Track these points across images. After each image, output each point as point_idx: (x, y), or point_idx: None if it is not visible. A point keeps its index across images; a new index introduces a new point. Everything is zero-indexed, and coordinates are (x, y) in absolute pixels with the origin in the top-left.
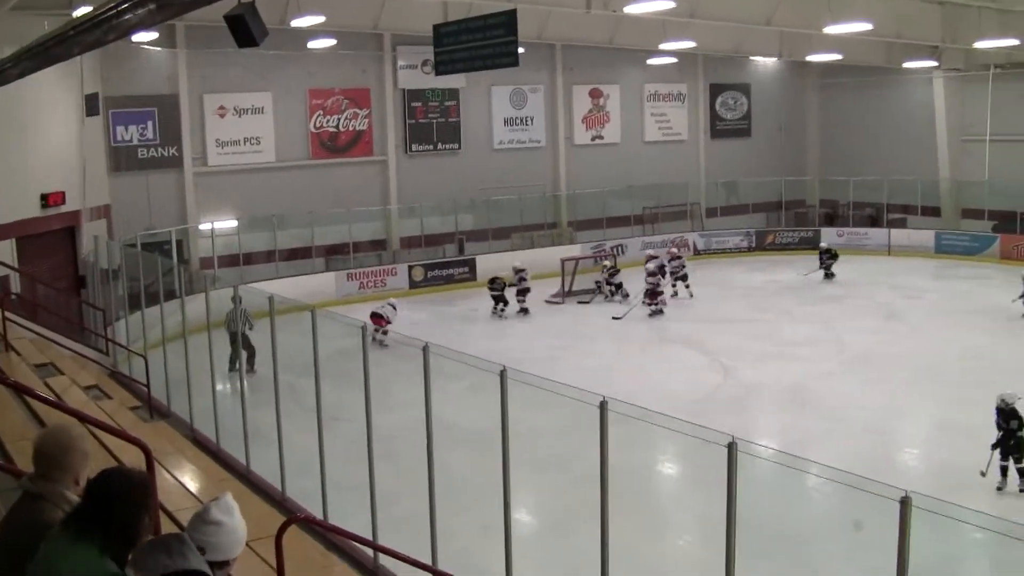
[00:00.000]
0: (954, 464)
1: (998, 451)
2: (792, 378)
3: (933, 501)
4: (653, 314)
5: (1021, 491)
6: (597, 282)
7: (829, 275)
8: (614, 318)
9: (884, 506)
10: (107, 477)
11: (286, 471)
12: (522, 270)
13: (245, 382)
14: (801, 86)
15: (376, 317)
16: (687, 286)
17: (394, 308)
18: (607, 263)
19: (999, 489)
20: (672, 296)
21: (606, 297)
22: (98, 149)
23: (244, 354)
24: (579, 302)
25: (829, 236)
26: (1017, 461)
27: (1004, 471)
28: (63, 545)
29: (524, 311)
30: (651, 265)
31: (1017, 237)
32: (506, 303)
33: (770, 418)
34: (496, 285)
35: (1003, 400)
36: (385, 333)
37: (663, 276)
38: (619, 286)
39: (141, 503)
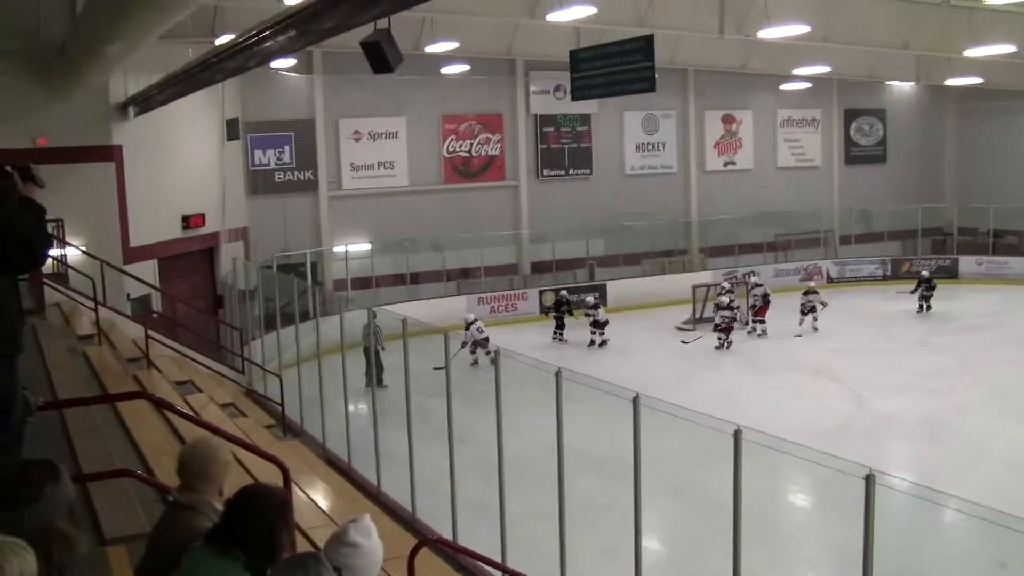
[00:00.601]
0: None
1: None
2: (927, 410)
3: None
4: (719, 347)
5: None
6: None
7: (926, 307)
8: (683, 342)
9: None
10: (249, 493)
11: (416, 492)
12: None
13: (377, 403)
14: (939, 111)
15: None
16: (814, 319)
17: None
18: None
19: None
20: (799, 334)
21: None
22: (237, 172)
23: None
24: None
25: (968, 264)
26: None
27: None
28: (207, 560)
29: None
30: (724, 299)
31: None
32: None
33: (904, 450)
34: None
35: None
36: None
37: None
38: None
39: (282, 520)
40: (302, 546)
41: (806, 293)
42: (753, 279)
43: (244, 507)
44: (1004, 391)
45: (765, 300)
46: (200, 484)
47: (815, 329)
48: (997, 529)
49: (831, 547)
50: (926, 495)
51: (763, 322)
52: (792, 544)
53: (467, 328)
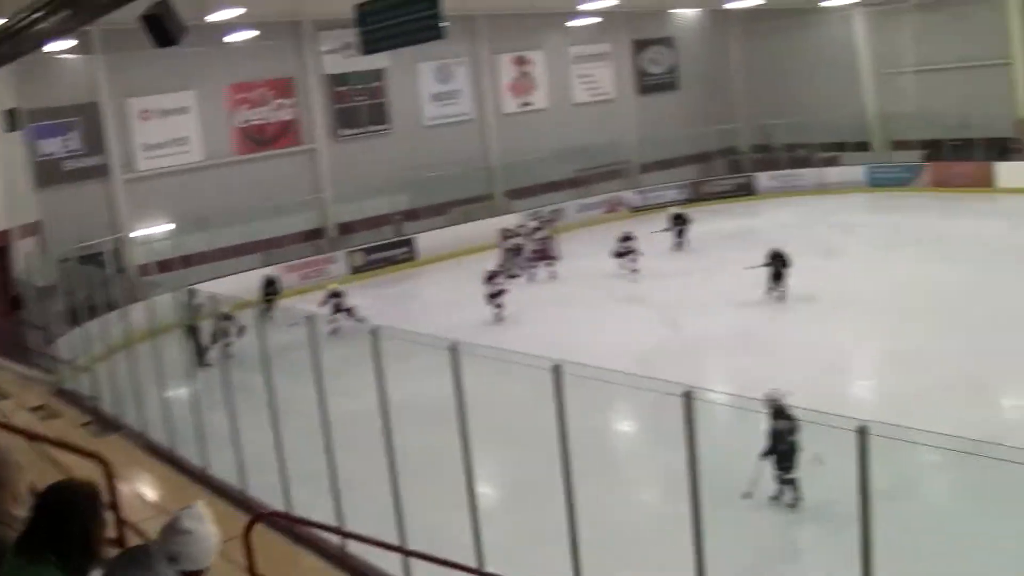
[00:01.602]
0: (903, 391)
1: (769, 460)
2: (738, 323)
3: (889, 427)
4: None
5: (789, 505)
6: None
7: (679, 242)
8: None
9: (842, 438)
10: (55, 492)
11: (246, 469)
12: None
13: (198, 384)
14: (724, 34)
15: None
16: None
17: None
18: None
19: (774, 498)
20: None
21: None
22: (22, 165)
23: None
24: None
25: (762, 180)
26: (786, 471)
27: (785, 483)
28: (18, 571)
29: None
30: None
31: (947, 164)
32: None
33: (721, 365)
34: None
35: (770, 398)
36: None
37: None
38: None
39: (94, 514)
40: (134, 540)
41: (624, 239)
42: (532, 223)
43: (51, 507)
44: (809, 298)
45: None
46: None
47: (634, 271)
48: (812, 427)
49: (662, 468)
50: (743, 404)
51: (550, 263)
52: (624, 470)
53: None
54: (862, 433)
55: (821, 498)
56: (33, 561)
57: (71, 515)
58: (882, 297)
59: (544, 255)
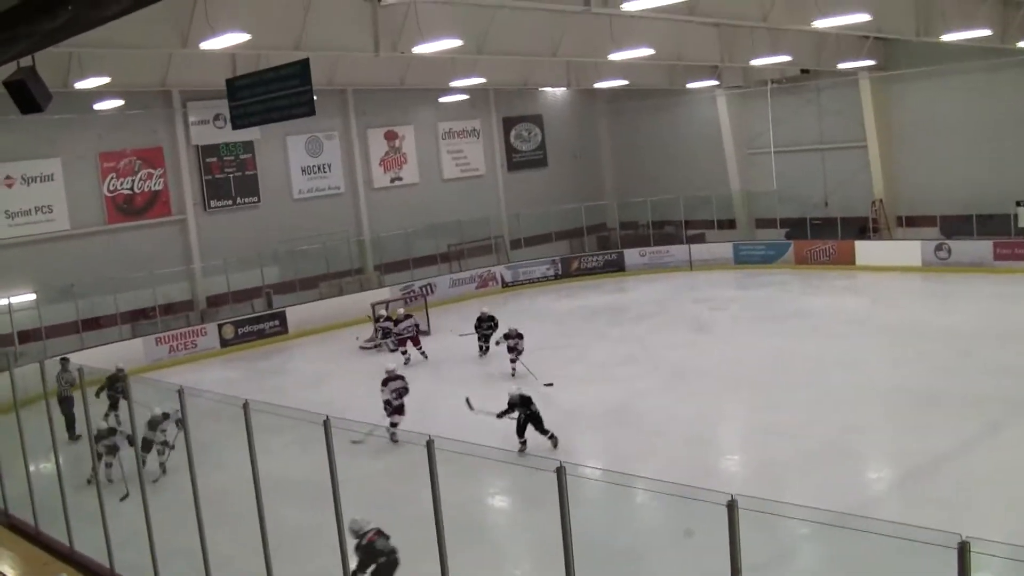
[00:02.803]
0: (772, 462)
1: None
2: (611, 398)
3: (758, 501)
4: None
5: None
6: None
7: (484, 348)
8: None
9: (713, 511)
10: None
11: (113, 546)
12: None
13: (62, 458)
14: (592, 112)
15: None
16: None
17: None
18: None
19: None
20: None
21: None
22: None
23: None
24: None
25: (632, 256)
26: None
27: None
28: None
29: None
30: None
31: (809, 242)
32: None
33: (593, 439)
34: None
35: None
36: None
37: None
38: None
39: None
40: None
41: (507, 336)
42: (400, 311)
43: None
44: (680, 373)
45: (418, 330)
46: None
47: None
48: (685, 502)
49: (534, 541)
50: (615, 479)
51: (419, 348)
52: (498, 543)
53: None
54: (731, 507)
55: (692, 572)
56: None
57: None
58: (750, 371)
59: (415, 340)
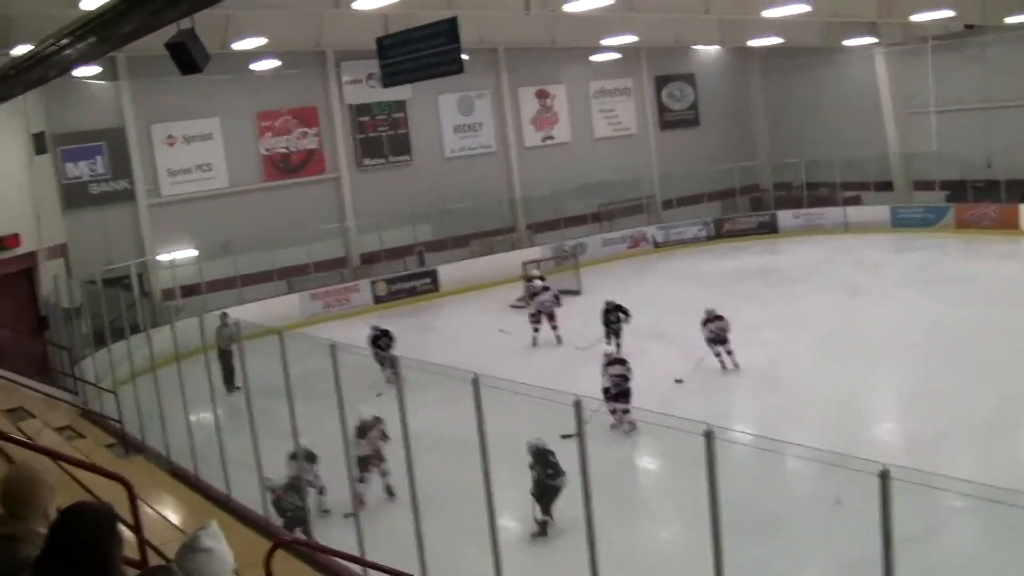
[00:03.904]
0: (926, 434)
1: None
2: (762, 361)
3: (911, 471)
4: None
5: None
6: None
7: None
8: (501, 330)
9: (864, 481)
10: (71, 513)
11: (267, 496)
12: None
13: (222, 409)
14: (745, 71)
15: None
16: (729, 352)
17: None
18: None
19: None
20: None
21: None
22: (50, 188)
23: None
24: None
25: (786, 218)
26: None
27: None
28: None
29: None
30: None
31: (971, 206)
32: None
33: (743, 403)
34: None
35: (531, 445)
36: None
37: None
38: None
39: (111, 537)
40: (154, 562)
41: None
42: (537, 282)
43: (68, 529)
44: (832, 336)
45: (556, 302)
46: (22, 511)
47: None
48: (834, 470)
49: (681, 504)
50: (765, 445)
51: (554, 327)
52: (645, 505)
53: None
54: (883, 477)
55: (841, 542)
56: None
57: (88, 538)
58: (905, 337)
59: (551, 316)
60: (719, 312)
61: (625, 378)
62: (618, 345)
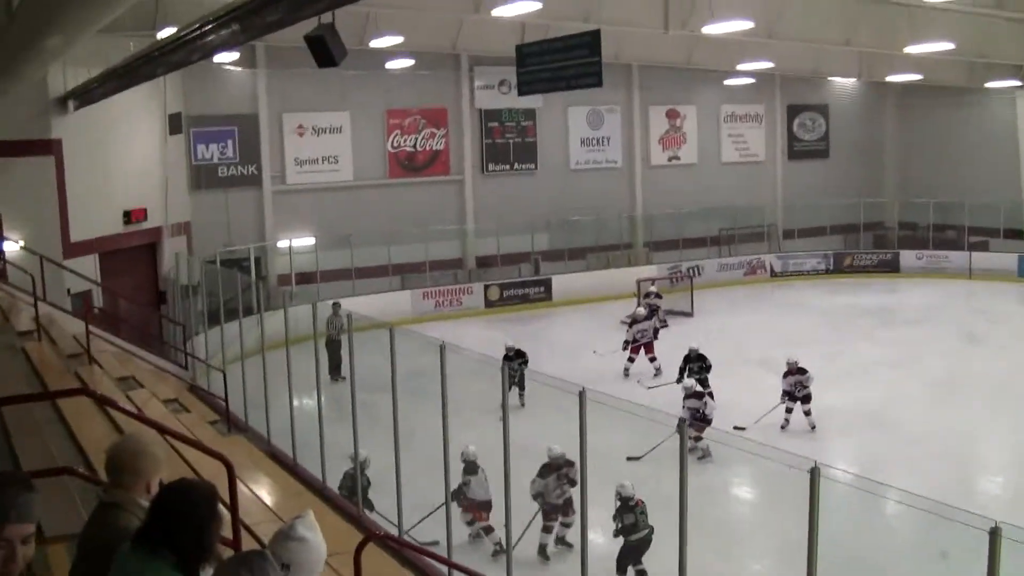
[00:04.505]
0: None
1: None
2: (871, 401)
3: (1021, 531)
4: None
5: None
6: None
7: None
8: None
9: (969, 535)
10: (174, 490)
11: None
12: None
13: (324, 398)
14: (880, 106)
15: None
16: (807, 413)
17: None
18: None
19: None
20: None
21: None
22: (180, 167)
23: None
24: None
25: (908, 258)
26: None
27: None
28: (135, 562)
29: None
30: (642, 310)
31: None
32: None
33: (849, 441)
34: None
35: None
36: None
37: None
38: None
39: (210, 516)
40: (247, 543)
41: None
42: (640, 310)
43: (170, 504)
44: (945, 383)
45: (656, 334)
46: (127, 480)
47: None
48: (939, 520)
49: (777, 537)
50: (868, 487)
51: (653, 359)
52: (739, 535)
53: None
54: (993, 534)
55: None
56: (150, 556)
57: (190, 514)
58: (1022, 391)
59: (648, 348)
60: (802, 364)
61: (702, 412)
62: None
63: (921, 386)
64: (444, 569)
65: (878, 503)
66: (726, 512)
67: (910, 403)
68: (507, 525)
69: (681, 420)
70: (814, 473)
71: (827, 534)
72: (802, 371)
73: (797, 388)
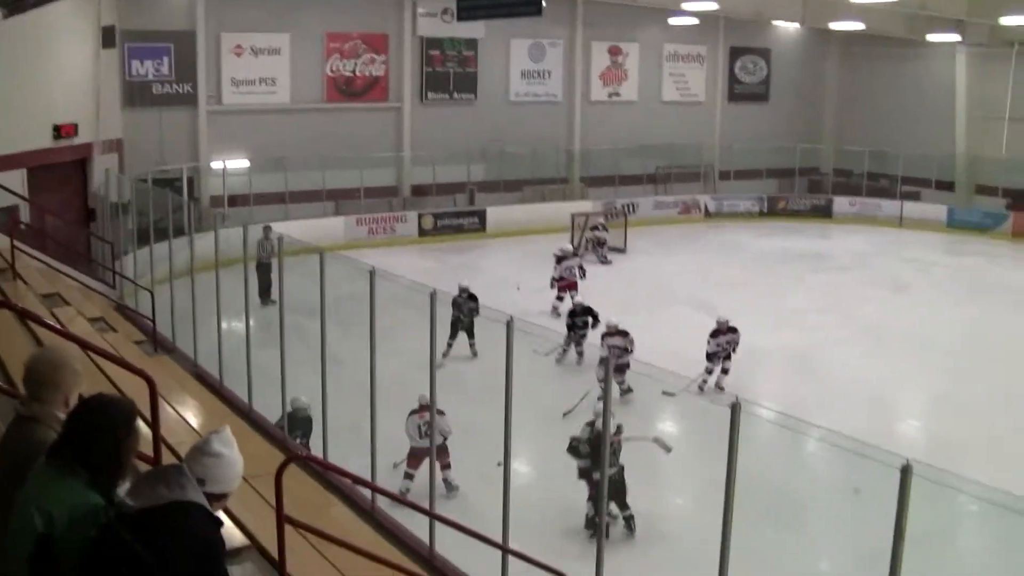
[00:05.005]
0: (953, 437)
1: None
2: (797, 345)
3: (933, 470)
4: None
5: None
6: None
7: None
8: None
9: (884, 473)
10: (89, 405)
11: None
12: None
13: (253, 321)
14: (822, 54)
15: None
16: (725, 371)
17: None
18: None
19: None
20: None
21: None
22: (113, 83)
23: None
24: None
25: (841, 205)
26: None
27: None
28: (48, 479)
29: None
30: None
31: None
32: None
33: (773, 382)
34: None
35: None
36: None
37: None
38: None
39: (127, 431)
40: (169, 461)
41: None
42: (568, 246)
43: (84, 420)
44: (872, 330)
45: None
46: (45, 393)
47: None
48: (855, 459)
49: (697, 474)
50: (790, 424)
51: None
52: (661, 473)
53: None
54: (905, 472)
55: (855, 532)
56: (63, 472)
57: (105, 430)
58: (945, 339)
59: (573, 286)
60: (733, 323)
61: (626, 350)
62: (579, 354)
63: (848, 332)
64: (368, 493)
65: (797, 441)
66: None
67: (836, 348)
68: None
69: (603, 358)
70: (734, 409)
71: (747, 471)
72: (733, 330)
73: (731, 347)
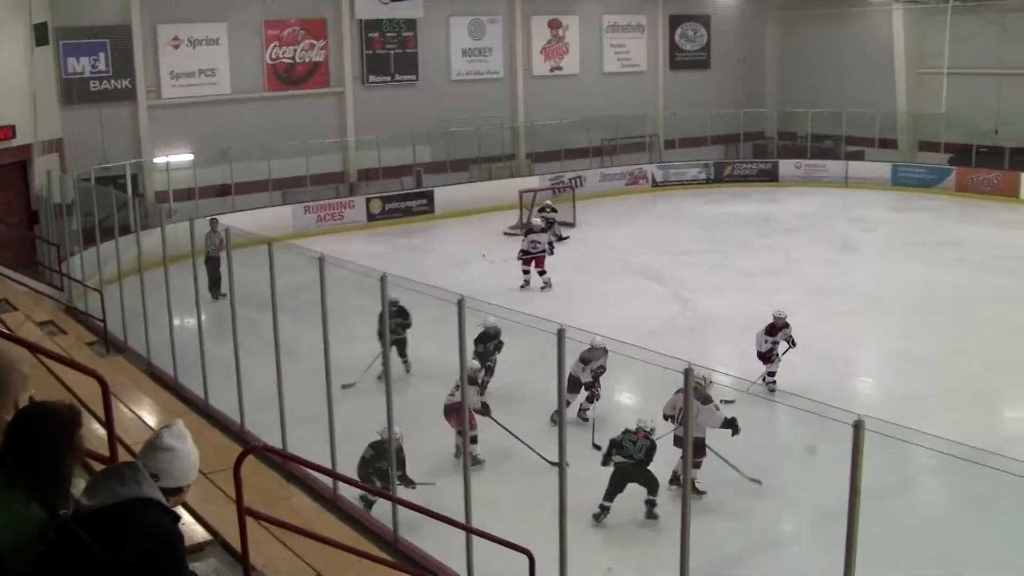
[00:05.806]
0: (906, 392)
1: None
2: (748, 308)
3: (885, 424)
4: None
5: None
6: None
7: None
8: (484, 256)
9: (838, 430)
10: (28, 413)
11: (245, 405)
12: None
13: (205, 316)
14: (761, 17)
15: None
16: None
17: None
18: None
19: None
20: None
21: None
22: (49, 81)
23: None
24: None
25: (787, 168)
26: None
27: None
28: None
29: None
30: (538, 221)
31: (973, 170)
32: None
33: (727, 347)
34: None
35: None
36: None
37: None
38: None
39: (65, 441)
40: (124, 459)
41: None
42: (536, 220)
43: (22, 428)
44: (821, 290)
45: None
46: None
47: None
48: (809, 418)
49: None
50: (743, 387)
51: (542, 272)
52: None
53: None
54: (857, 427)
55: (814, 490)
56: (4, 484)
57: (42, 441)
58: (894, 296)
59: (539, 261)
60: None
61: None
62: (487, 374)
63: (798, 293)
64: (329, 481)
65: (753, 403)
66: (606, 411)
67: (788, 310)
68: (390, 432)
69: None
70: (687, 374)
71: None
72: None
73: (789, 342)
